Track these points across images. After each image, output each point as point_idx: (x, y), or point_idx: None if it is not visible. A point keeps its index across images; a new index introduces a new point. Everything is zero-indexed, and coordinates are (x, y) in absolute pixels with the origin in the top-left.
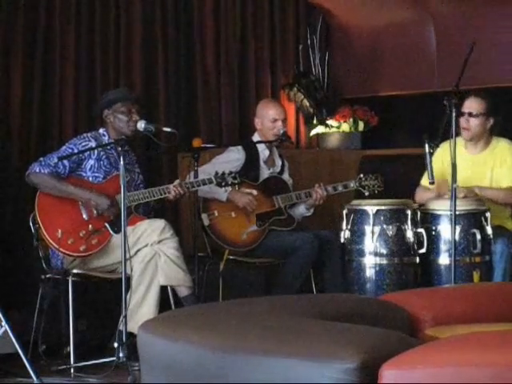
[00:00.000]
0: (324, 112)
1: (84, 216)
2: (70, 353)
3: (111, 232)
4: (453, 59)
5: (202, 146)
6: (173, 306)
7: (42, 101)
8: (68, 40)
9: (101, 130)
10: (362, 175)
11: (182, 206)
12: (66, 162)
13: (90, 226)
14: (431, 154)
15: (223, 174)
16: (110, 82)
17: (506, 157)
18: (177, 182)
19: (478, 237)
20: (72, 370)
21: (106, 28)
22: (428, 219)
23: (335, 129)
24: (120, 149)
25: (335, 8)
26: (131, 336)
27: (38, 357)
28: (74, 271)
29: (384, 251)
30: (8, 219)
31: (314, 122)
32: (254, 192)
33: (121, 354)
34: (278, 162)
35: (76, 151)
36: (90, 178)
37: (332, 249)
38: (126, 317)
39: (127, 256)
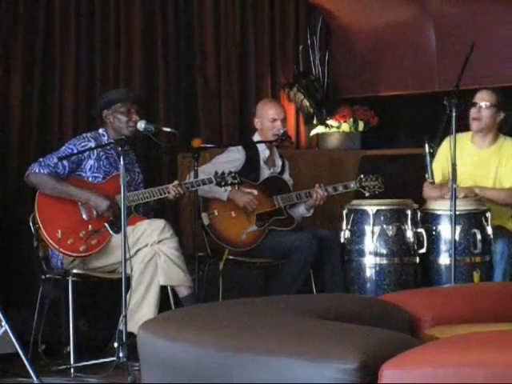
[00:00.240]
0: (324, 112)
1: (84, 216)
2: (69, 353)
3: (111, 232)
4: (453, 59)
5: (202, 146)
6: (173, 306)
7: (41, 101)
8: (68, 40)
9: (100, 130)
10: (362, 176)
11: (181, 206)
12: (65, 162)
13: (90, 226)
14: (431, 154)
15: (223, 173)
16: (110, 82)
17: (510, 156)
18: (176, 182)
19: (479, 237)
20: (72, 370)
21: (106, 28)
22: (428, 219)
23: (335, 129)
24: (120, 149)
25: (335, 8)
26: (131, 336)
27: (38, 357)
28: (74, 271)
29: (384, 251)
30: (8, 219)
31: (314, 121)
32: (255, 192)
33: (121, 354)
34: (279, 162)
35: (75, 151)
36: (90, 179)
37: (332, 249)
38: (126, 317)
39: (127, 256)
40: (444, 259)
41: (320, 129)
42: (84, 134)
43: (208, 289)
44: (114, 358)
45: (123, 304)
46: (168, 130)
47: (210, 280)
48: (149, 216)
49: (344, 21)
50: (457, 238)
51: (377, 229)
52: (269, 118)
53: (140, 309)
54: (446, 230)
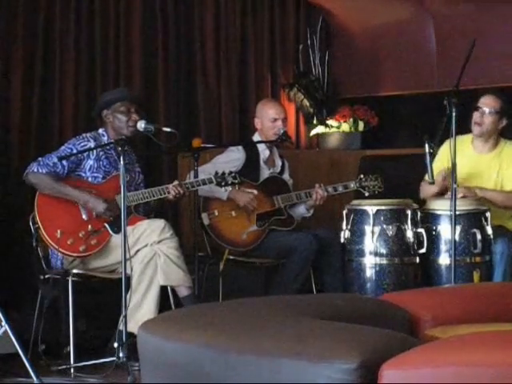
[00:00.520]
0: (324, 112)
1: (83, 216)
2: (69, 353)
3: (111, 232)
4: (453, 59)
5: (202, 145)
6: (173, 306)
7: (41, 101)
8: (68, 40)
9: (100, 130)
10: (362, 176)
11: (181, 206)
12: (64, 162)
13: (90, 226)
14: (431, 154)
15: (223, 173)
16: (110, 82)
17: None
18: (176, 182)
19: (479, 237)
20: (72, 370)
21: (106, 28)
22: (428, 219)
23: (335, 129)
24: (120, 149)
25: (335, 8)
26: (131, 336)
27: (38, 357)
28: (74, 271)
29: (384, 251)
30: (8, 219)
31: (314, 121)
32: (255, 191)
33: (121, 354)
34: (279, 163)
35: (75, 151)
36: (90, 179)
37: (332, 249)
38: (126, 317)
39: (127, 256)
40: (444, 259)
41: (320, 129)
42: (84, 134)
43: (208, 289)
44: (114, 358)
45: (123, 304)
46: (168, 129)
47: (210, 280)
48: (149, 216)
49: (344, 21)
50: (457, 237)
51: (377, 229)
52: (269, 118)
53: (140, 309)
54: (445, 230)
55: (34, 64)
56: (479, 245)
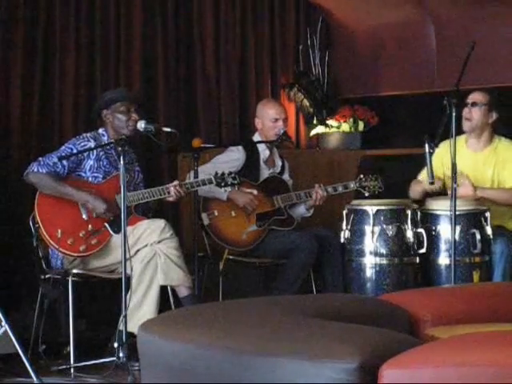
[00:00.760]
0: (324, 112)
1: (84, 216)
2: (69, 353)
3: (111, 232)
4: (453, 59)
5: (202, 146)
6: (173, 306)
7: (41, 101)
8: (68, 40)
9: (100, 130)
10: (362, 176)
11: (181, 206)
12: (64, 162)
13: (90, 226)
14: (431, 154)
15: (223, 174)
16: (110, 82)
17: (507, 157)
18: (176, 182)
19: (478, 237)
20: (72, 370)
21: (106, 28)
22: (428, 219)
23: (335, 129)
24: (120, 149)
25: (335, 8)
26: (131, 336)
27: (38, 357)
28: (74, 271)
29: (384, 251)
30: (8, 219)
31: (314, 121)
32: (255, 191)
33: (121, 354)
34: (278, 163)
35: (75, 151)
36: (90, 179)
37: (332, 249)
38: (126, 317)
39: (127, 256)
40: (444, 259)
41: (320, 129)
42: (84, 134)
43: (208, 289)
44: (114, 358)
45: (123, 304)
46: (168, 129)
47: (210, 280)
48: (148, 216)
49: (344, 21)
50: (456, 237)
51: (377, 229)
52: (270, 118)
53: (140, 309)
54: (445, 230)
55: (34, 64)
56: (479, 245)
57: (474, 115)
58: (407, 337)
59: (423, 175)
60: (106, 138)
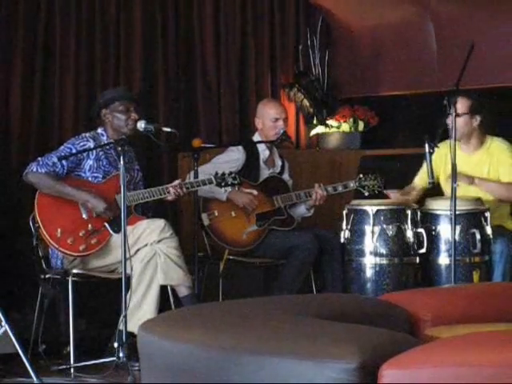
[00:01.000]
0: (324, 112)
1: (84, 215)
2: (69, 353)
3: (111, 232)
4: (453, 59)
5: (202, 145)
6: (173, 306)
7: (41, 101)
8: (68, 40)
9: (99, 130)
10: (361, 175)
11: (182, 206)
12: (64, 162)
13: (90, 225)
14: (431, 154)
15: (223, 174)
16: (110, 82)
17: (504, 157)
18: (177, 182)
19: (478, 237)
20: (72, 370)
21: (106, 28)
22: (428, 219)
23: (335, 129)
24: (120, 149)
25: (335, 8)
26: (131, 336)
27: (38, 357)
28: (74, 271)
29: (384, 251)
30: (8, 219)
31: (314, 122)
32: (254, 192)
33: (121, 354)
34: (278, 163)
35: (74, 151)
36: (90, 178)
37: (332, 249)
38: (126, 317)
39: (127, 255)
40: (444, 259)
41: (320, 129)
42: (83, 134)
43: (208, 289)
44: (114, 358)
45: (123, 304)
46: (168, 129)
47: (210, 280)
48: (147, 215)
49: (344, 21)
50: (456, 237)
51: (377, 229)
52: (270, 118)
53: (140, 308)
54: (445, 230)
55: (34, 64)
56: (479, 245)
57: (456, 125)
58: (407, 337)
59: (419, 179)
60: (104, 137)
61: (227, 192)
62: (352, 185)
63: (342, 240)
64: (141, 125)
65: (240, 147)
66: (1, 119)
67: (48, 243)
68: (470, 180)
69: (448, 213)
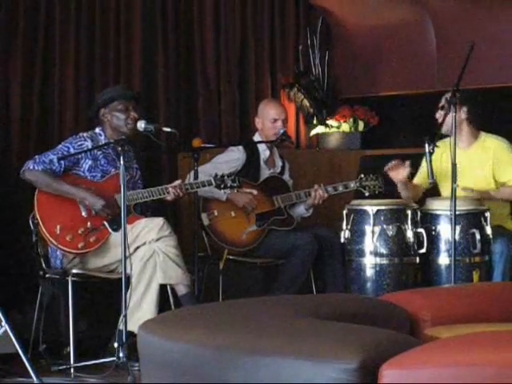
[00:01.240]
0: (324, 112)
1: (83, 213)
2: (70, 353)
3: (110, 230)
4: (453, 59)
5: (202, 145)
6: (173, 306)
7: (42, 101)
8: (68, 40)
9: (97, 130)
10: (362, 175)
11: (181, 206)
12: (59, 159)
13: (89, 223)
14: (431, 154)
15: (223, 176)
16: (110, 82)
17: (503, 155)
18: (177, 182)
19: (478, 237)
20: (72, 370)
21: (106, 28)
22: (428, 219)
23: (335, 129)
24: (120, 149)
25: (335, 8)
26: (131, 335)
27: (38, 357)
28: (74, 271)
29: (384, 251)
30: (7, 219)
31: (314, 122)
32: (254, 192)
33: (121, 354)
34: (279, 163)
35: (72, 150)
36: (88, 177)
37: (332, 249)
38: (126, 316)
39: (126, 254)
40: (444, 259)
41: (320, 129)
42: (81, 134)
43: (208, 289)
44: (114, 358)
45: (123, 304)
46: (168, 129)
47: (210, 280)
48: (146, 215)
49: (344, 21)
50: (456, 237)
51: (377, 229)
52: (270, 119)
53: (140, 308)
54: (445, 230)
55: (34, 64)
56: (478, 245)
57: (445, 120)
58: (407, 337)
59: (418, 178)
60: (102, 137)
61: (227, 192)
62: (353, 185)
63: (342, 240)
64: (141, 125)
65: (240, 147)
66: (1, 119)
67: (47, 240)
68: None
69: (448, 213)
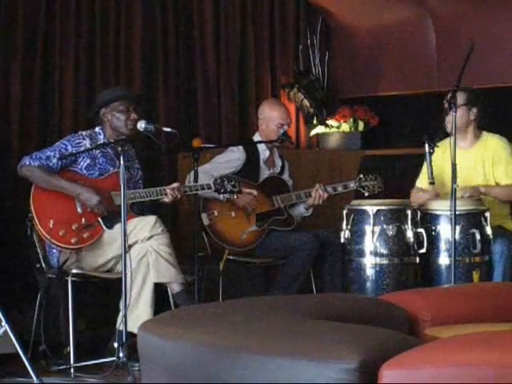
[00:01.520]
0: (324, 112)
1: (78, 209)
2: (70, 353)
3: (104, 227)
4: (453, 59)
5: (202, 145)
6: (172, 306)
7: (41, 101)
8: (68, 40)
9: (97, 129)
10: (362, 175)
11: (181, 206)
12: (58, 157)
13: (83, 219)
14: (431, 154)
15: (222, 181)
16: (110, 82)
17: (500, 153)
18: (175, 184)
19: (478, 237)
20: (72, 370)
21: (106, 28)
22: (428, 219)
23: (335, 129)
24: (120, 149)
25: (335, 8)
26: (131, 335)
27: (38, 357)
28: (74, 271)
29: (384, 251)
30: (7, 220)
31: (314, 121)
32: (254, 192)
33: (121, 354)
34: (278, 163)
35: (70, 148)
36: (86, 175)
37: (332, 249)
38: (125, 316)
39: (120, 252)
40: (444, 259)
41: (320, 129)
42: (79, 132)
43: (208, 289)
44: (114, 358)
45: (123, 303)
46: (168, 129)
47: (210, 280)
48: (143, 214)
49: (344, 21)
50: (456, 237)
51: (377, 229)
52: (275, 123)
53: (137, 306)
54: (445, 230)
55: (34, 64)
56: (479, 245)
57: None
58: (407, 337)
59: (421, 181)
60: (102, 136)
61: (226, 197)
62: (352, 185)
63: (342, 240)
64: (141, 125)
65: (240, 147)
66: (1, 118)
67: (40, 234)
68: (477, 191)
69: (448, 213)
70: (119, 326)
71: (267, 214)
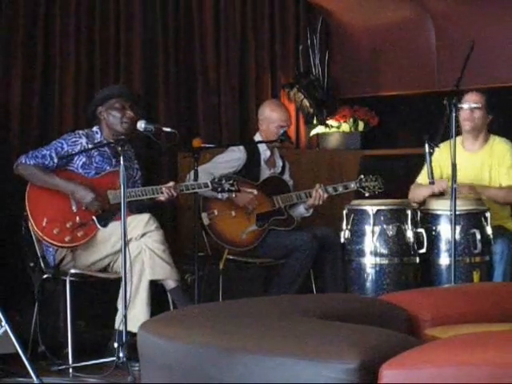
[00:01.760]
0: (324, 112)
1: (73, 208)
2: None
3: (98, 226)
4: (453, 59)
5: (202, 145)
6: (171, 306)
7: (41, 101)
8: (68, 40)
9: (94, 128)
10: (362, 176)
11: (181, 205)
12: (54, 156)
13: (78, 218)
14: (431, 154)
15: (220, 179)
16: (110, 82)
17: (504, 156)
18: (171, 183)
19: (478, 237)
20: (71, 370)
21: (106, 28)
22: (428, 219)
23: (335, 129)
24: (120, 149)
25: (335, 8)
26: (130, 335)
27: (37, 357)
28: (72, 271)
29: (384, 251)
30: (7, 220)
31: (314, 122)
32: (255, 191)
33: (121, 354)
34: (279, 163)
35: (65, 146)
36: (82, 174)
37: (332, 249)
38: (125, 316)
39: (114, 250)
40: (444, 259)
41: (320, 129)
42: (77, 131)
43: (208, 289)
44: (114, 358)
45: (122, 303)
46: (168, 129)
47: (210, 280)
48: (141, 213)
49: (344, 21)
50: (456, 237)
51: (377, 229)
52: (276, 125)
53: (133, 305)
54: (445, 230)
55: (34, 64)
56: (479, 245)
57: (474, 116)
58: (407, 337)
59: (422, 178)
60: (99, 135)
61: (224, 196)
62: (353, 186)
63: (342, 240)
64: (141, 125)
65: (241, 147)
66: (1, 118)
67: (33, 232)
68: (472, 189)
69: (448, 213)
70: (118, 326)
71: (267, 213)
